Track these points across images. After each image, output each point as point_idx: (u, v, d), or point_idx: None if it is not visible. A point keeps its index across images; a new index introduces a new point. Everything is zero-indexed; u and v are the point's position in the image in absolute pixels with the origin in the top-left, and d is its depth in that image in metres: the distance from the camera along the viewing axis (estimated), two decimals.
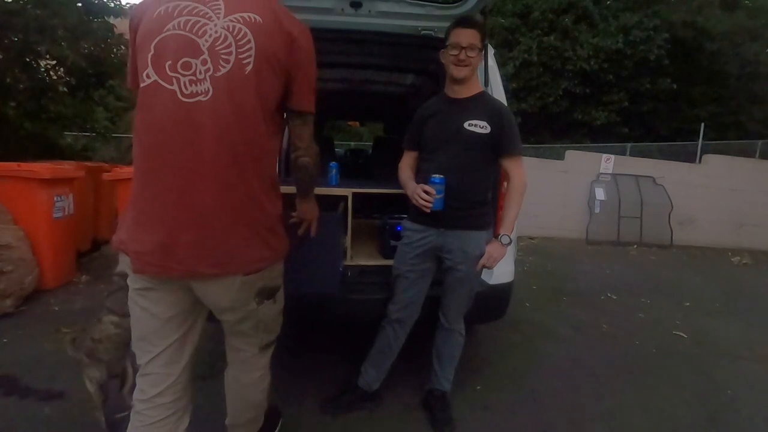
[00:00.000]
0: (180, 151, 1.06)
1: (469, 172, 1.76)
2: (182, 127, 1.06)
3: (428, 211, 1.70)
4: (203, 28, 1.07)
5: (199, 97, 1.06)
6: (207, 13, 1.08)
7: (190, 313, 1.20)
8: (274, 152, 1.21)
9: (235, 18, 1.08)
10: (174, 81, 1.05)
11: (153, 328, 1.16)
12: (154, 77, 1.06)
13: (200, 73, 1.05)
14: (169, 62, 1.05)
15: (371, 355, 2.00)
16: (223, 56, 1.06)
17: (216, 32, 1.07)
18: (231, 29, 1.07)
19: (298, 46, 1.15)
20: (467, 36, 1.69)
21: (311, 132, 1.27)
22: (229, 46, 1.06)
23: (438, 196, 1.68)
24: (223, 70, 1.06)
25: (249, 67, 1.08)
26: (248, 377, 1.40)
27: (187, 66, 1.05)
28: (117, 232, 1.15)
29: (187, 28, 1.06)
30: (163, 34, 1.06)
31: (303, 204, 1.55)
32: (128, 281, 1.18)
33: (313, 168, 1.34)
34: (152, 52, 1.06)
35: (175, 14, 1.07)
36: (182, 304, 1.17)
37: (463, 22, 1.76)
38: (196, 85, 1.05)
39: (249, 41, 1.07)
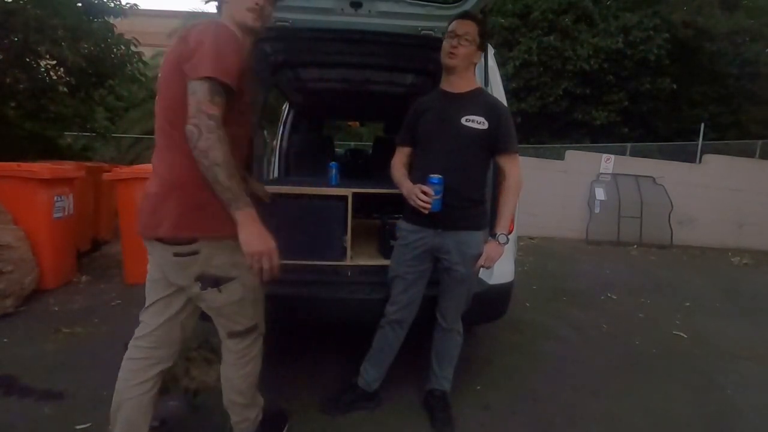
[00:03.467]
0: None
1: (466, 170, 1.74)
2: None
3: (426, 212, 1.67)
4: None
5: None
6: None
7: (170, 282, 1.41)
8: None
9: None
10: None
11: (148, 285, 1.45)
12: None
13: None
14: None
15: (370, 355, 2.00)
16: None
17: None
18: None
19: (189, 42, 1.24)
20: (463, 25, 1.70)
21: (197, 101, 1.17)
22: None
23: (436, 197, 1.64)
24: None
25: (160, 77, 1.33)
26: (227, 358, 1.53)
27: None
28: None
29: None
30: None
31: (235, 218, 1.23)
32: None
33: (199, 139, 1.14)
34: None
35: None
36: (161, 271, 1.40)
37: (462, 14, 1.79)
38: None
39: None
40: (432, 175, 1.66)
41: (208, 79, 1.17)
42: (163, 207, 1.27)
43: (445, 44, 1.73)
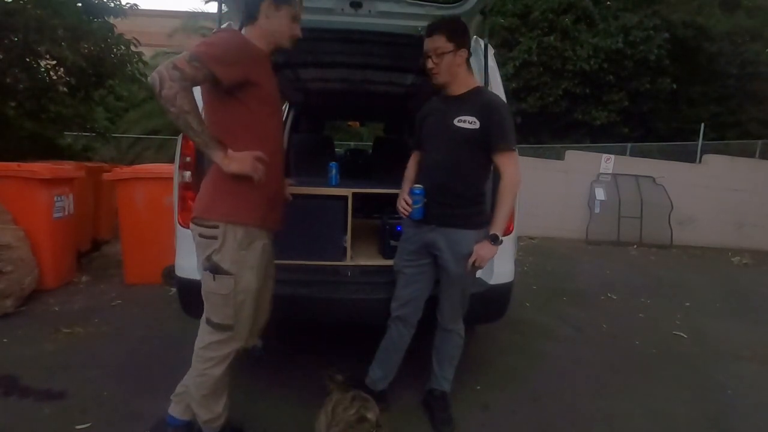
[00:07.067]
0: None
1: (458, 169, 1.76)
2: None
3: (405, 217, 1.84)
4: None
5: None
6: None
7: None
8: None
9: None
10: None
11: None
12: None
13: None
14: None
15: (378, 356, 2.01)
16: None
17: None
18: None
19: None
20: (429, 42, 1.73)
21: (173, 59, 1.27)
22: None
23: (416, 206, 1.78)
24: None
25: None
26: (195, 348, 1.55)
27: None
28: None
29: None
30: None
31: (214, 160, 1.39)
32: None
33: (162, 87, 1.21)
34: None
35: None
36: None
37: (427, 29, 1.77)
38: None
39: None
40: (415, 186, 1.81)
41: (191, 53, 1.27)
42: (200, 192, 1.49)
43: (426, 65, 1.76)
